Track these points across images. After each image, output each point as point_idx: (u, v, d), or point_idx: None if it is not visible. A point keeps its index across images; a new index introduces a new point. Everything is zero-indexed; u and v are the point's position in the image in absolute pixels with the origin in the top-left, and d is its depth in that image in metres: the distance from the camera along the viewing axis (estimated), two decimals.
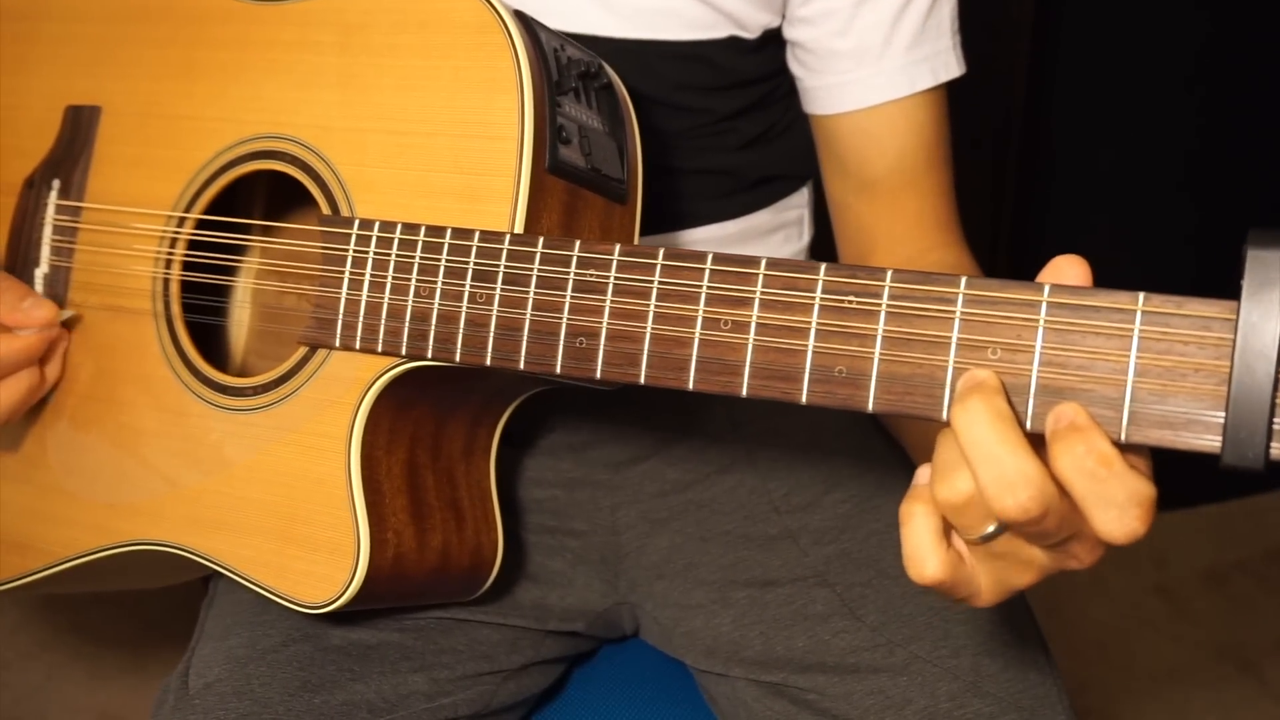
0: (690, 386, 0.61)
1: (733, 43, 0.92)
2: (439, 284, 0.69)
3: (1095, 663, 1.81)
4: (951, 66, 0.93)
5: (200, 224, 0.81)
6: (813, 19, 0.91)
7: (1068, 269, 0.55)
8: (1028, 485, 0.51)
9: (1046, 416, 0.53)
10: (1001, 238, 1.97)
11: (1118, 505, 0.51)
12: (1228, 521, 2.10)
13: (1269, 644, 1.85)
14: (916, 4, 0.90)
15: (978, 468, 0.52)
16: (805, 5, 0.91)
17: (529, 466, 0.98)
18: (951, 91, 0.95)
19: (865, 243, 0.97)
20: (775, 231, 1.03)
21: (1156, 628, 1.89)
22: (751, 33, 0.92)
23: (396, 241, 0.70)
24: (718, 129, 0.96)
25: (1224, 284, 0.55)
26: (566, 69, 0.73)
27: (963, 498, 0.54)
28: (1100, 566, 1.87)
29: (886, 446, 1.00)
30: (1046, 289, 0.55)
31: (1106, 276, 0.56)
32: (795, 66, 0.95)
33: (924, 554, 0.56)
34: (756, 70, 0.95)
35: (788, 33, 0.93)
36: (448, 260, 0.69)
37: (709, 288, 0.61)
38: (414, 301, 0.69)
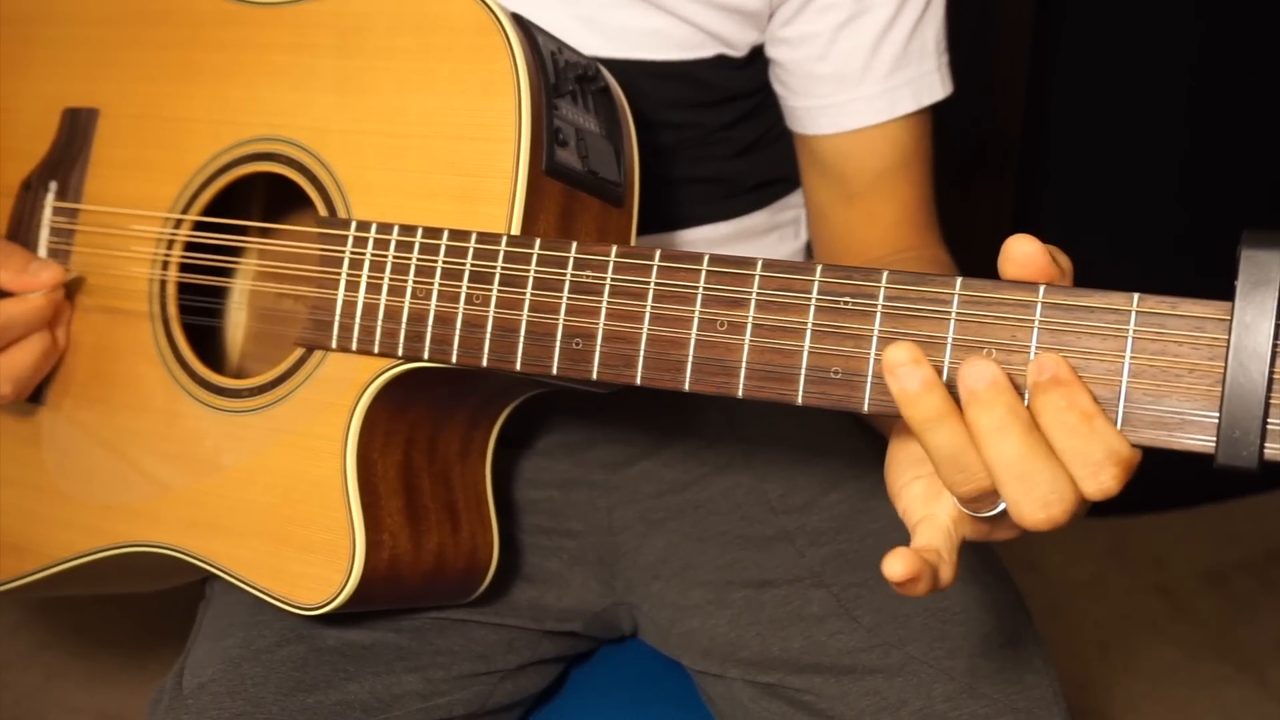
0: (686, 387, 0.61)
1: (720, 61, 0.92)
2: (435, 285, 0.69)
3: (1095, 663, 1.81)
4: (935, 89, 0.93)
5: (197, 226, 0.81)
6: (793, 41, 0.91)
7: (1016, 247, 0.56)
8: (1061, 501, 0.53)
9: (1030, 371, 0.53)
10: (999, 243, 1.96)
11: (1095, 462, 0.53)
12: (1228, 521, 2.10)
13: (1269, 644, 1.85)
14: (898, 29, 0.90)
15: (1007, 485, 0.54)
16: (786, 26, 0.91)
17: (525, 467, 0.98)
18: (951, 101, 0.94)
19: (840, 245, 0.98)
20: (771, 232, 1.03)
21: (1156, 628, 1.89)
22: (739, 50, 0.92)
23: (393, 243, 0.70)
24: (709, 140, 0.96)
25: (1220, 285, 0.55)
26: (564, 72, 0.73)
27: (981, 492, 0.55)
28: (1100, 566, 1.85)
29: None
30: (1041, 289, 0.55)
31: (1103, 278, 0.56)
32: (776, 85, 0.95)
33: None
34: (746, 85, 0.95)
35: (769, 51, 0.93)
36: (444, 262, 0.69)
37: (705, 289, 0.61)
38: (410, 303, 0.70)
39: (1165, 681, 1.78)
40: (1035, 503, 0.53)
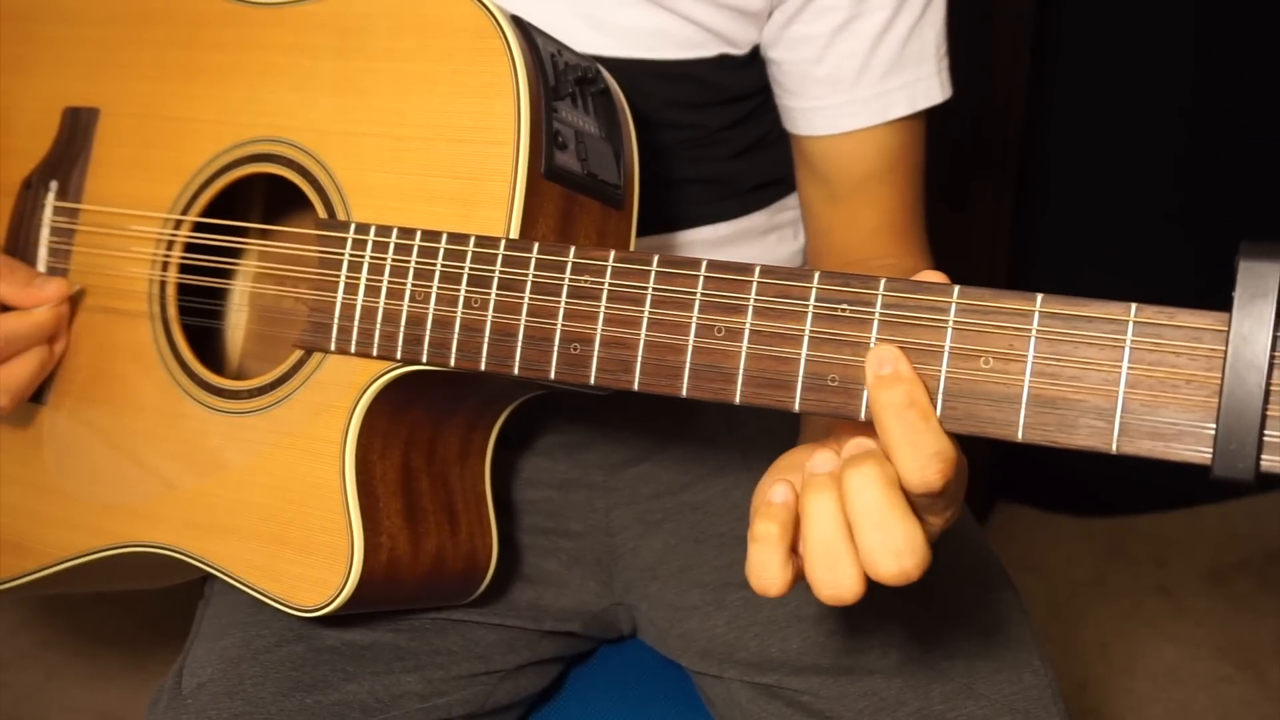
0: (684, 393, 0.61)
1: (723, 60, 0.92)
2: (434, 289, 0.69)
3: (1095, 663, 1.81)
4: (933, 93, 0.92)
5: (197, 226, 0.81)
6: (790, 42, 0.91)
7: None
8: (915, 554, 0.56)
9: (870, 363, 0.56)
10: (999, 254, 1.96)
11: (924, 456, 0.55)
12: (1228, 521, 2.09)
13: (1269, 644, 1.85)
14: (895, 31, 0.89)
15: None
16: (784, 28, 0.91)
17: (524, 467, 0.98)
18: (950, 106, 0.94)
19: (823, 243, 0.98)
20: (770, 233, 1.03)
21: (1156, 628, 1.89)
22: (741, 49, 0.92)
23: (392, 246, 0.70)
24: (710, 141, 0.96)
25: (1217, 296, 0.55)
26: (563, 74, 0.73)
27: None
28: (1100, 566, 1.84)
29: None
30: (1039, 299, 0.55)
31: (1102, 281, 0.56)
32: (771, 84, 0.95)
33: (773, 574, 0.60)
34: (747, 86, 0.95)
35: (766, 51, 0.93)
36: (443, 265, 0.69)
37: (703, 294, 0.61)
38: (409, 306, 0.70)
39: (1165, 681, 1.78)
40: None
